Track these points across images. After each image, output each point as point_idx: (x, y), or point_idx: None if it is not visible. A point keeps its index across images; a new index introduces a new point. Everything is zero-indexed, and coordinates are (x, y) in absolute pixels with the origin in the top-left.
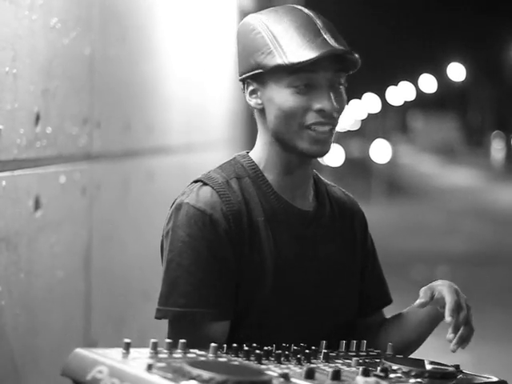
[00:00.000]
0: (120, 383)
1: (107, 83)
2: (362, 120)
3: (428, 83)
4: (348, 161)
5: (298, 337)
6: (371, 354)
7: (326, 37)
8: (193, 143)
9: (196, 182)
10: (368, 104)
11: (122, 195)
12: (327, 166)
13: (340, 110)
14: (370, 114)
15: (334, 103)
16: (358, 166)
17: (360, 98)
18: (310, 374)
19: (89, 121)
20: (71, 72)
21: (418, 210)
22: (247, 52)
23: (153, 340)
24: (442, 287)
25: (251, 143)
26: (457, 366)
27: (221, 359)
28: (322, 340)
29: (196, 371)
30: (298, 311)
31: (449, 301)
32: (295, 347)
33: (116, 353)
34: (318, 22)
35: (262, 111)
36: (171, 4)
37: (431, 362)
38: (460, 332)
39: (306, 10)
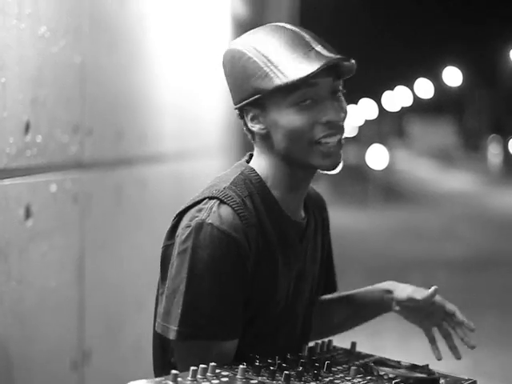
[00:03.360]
0: None
1: (98, 91)
2: (359, 126)
3: (424, 88)
4: (345, 167)
5: (285, 344)
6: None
7: (317, 48)
8: (186, 151)
9: (211, 198)
10: (364, 110)
11: (115, 204)
12: (324, 174)
13: (345, 118)
14: (366, 120)
15: (339, 112)
16: (355, 172)
17: (356, 104)
18: None
19: (80, 129)
20: (61, 80)
21: (415, 216)
22: (241, 79)
23: (192, 368)
24: (440, 299)
25: (246, 150)
26: (426, 366)
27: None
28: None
29: None
30: (289, 321)
31: (456, 308)
32: (278, 361)
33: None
34: (306, 36)
35: (267, 135)
36: (162, 12)
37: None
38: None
39: (289, 26)
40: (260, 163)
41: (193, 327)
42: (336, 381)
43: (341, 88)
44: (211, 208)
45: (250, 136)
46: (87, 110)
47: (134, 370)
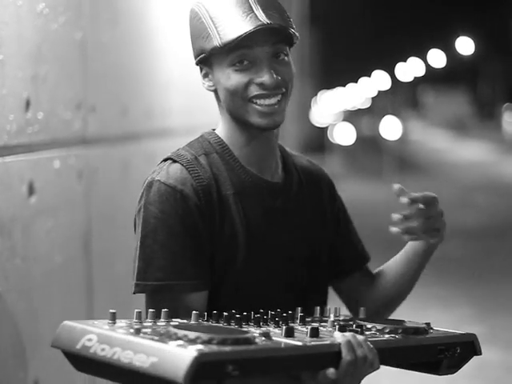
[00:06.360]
0: (110, 348)
1: (101, 67)
2: (373, 98)
3: (437, 58)
4: (359, 139)
5: (274, 302)
6: (345, 318)
7: (256, 12)
8: (195, 125)
9: (166, 160)
10: (377, 81)
11: (122, 179)
12: (338, 145)
13: (285, 80)
14: (379, 92)
15: (274, 75)
16: (369, 143)
17: (369, 76)
18: (289, 333)
19: (83, 105)
20: (62, 57)
21: (430, 186)
22: (193, 38)
23: (137, 310)
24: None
25: None
26: (428, 324)
27: (204, 324)
28: (296, 304)
29: (182, 332)
30: (272, 279)
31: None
32: (272, 312)
33: (103, 323)
34: None
35: (216, 92)
36: None
37: (402, 321)
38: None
39: None
40: (221, 124)
41: (151, 280)
42: (298, 327)
43: (285, 52)
44: (162, 167)
45: (215, 96)
46: (90, 87)
47: None
